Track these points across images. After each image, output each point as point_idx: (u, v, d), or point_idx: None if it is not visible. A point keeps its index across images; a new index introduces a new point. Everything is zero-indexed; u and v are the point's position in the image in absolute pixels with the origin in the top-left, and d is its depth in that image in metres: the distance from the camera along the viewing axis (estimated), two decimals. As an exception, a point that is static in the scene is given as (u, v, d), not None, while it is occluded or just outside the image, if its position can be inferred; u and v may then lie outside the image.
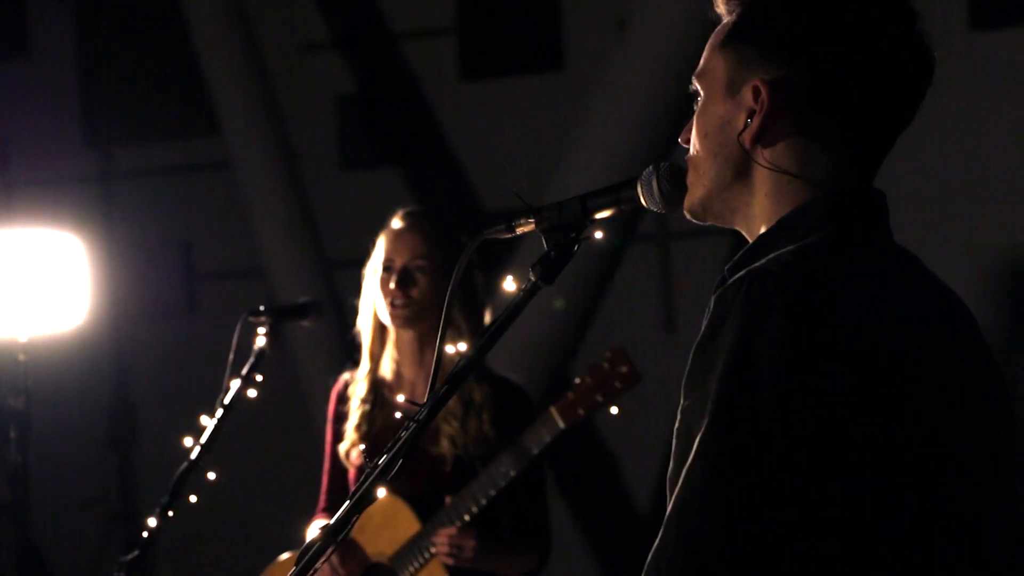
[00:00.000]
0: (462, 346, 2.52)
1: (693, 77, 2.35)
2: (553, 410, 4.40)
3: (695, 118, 2.34)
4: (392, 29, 8.61)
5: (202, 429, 4.09)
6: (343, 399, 4.75)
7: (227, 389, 4.14)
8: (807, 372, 2.06)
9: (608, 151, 6.89)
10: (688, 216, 2.36)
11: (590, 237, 2.49)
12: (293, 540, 5.11)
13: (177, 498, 4.01)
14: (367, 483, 2.54)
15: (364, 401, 4.67)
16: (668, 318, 7.96)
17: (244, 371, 4.17)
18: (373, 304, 4.68)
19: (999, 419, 2.22)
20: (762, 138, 2.25)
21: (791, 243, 2.20)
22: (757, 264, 2.17)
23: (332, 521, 2.57)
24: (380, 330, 4.69)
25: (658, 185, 2.40)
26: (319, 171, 8.39)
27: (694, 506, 2.07)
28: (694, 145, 2.33)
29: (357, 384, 4.70)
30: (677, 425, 2.15)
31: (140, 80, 9.03)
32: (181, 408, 8.53)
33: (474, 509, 4.43)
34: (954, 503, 2.13)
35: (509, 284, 2.52)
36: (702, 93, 2.33)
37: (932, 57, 2.29)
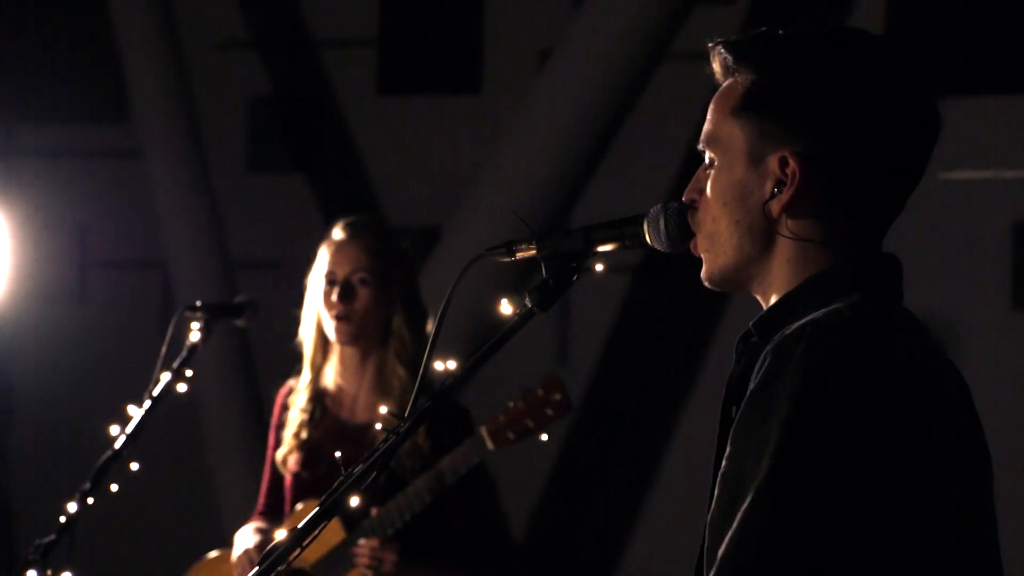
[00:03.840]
0: (451, 364, 2.53)
1: (702, 141, 2.35)
2: (483, 431, 4.40)
3: (710, 182, 2.33)
4: (313, 35, 8.59)
5: (129, 418, 4.06)
6: (285, 406, 4.73)
7: (157, 381, 4.12)
8: (873, 425, 2.11)
9: (519, 180, 6.91)
10: (707, 284, 2.36)
11: (591, 269, 2.51)
12: (209, 541, 5.08)
13: (98, 486, 3.98)
14: (340, 491, 2.54)
15: (303, 411, 4.65)
16: (562, 349, 8.00)
17: (176, 364, 4.15)
18: (316, 315, 4.65)
19: (989, 473, 2.29)
20: (790, 208, 2.27)
21: (820, 303, 2.22)
22: (814, 317, 2.19)
23: (300, 525, 2.58)
24: (322, 342, 4.68)
25: (666, 225, 2.40)
26: (225, 170, 8.34)
27: (752, 552, 2.09)
28: (709, 212, 2.33)
29: (298, 394, 4.68)
30: (724, 470, 2.16)
31: (50, 59, 8.91)
32: (63, 395, 8.47)
33: (398, 523, 4.43)
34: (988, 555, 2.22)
35: (505, 307, 2.53)
36: (716, 159, 2.33)
37: (939, 118, 2.33)
